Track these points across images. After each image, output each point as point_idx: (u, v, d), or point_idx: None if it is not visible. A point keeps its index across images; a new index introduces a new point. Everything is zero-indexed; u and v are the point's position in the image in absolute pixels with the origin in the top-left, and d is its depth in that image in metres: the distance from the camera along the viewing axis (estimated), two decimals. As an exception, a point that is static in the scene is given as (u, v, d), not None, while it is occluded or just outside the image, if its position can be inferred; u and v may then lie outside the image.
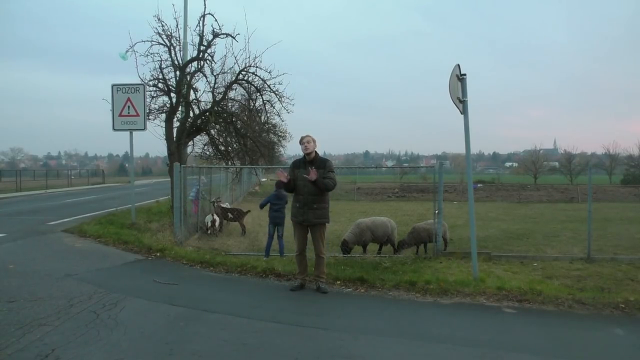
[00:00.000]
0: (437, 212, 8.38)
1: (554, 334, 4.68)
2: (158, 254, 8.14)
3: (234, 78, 11.84)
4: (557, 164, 64.73)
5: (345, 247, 9.02)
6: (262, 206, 9.29)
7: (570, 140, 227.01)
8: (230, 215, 12.14)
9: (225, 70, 12.76)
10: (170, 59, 10.86)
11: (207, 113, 11.26)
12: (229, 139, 14.00)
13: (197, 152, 14.28)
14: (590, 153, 75.06)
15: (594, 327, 4.92)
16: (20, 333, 4.30)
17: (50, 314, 4.84)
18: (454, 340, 4.40)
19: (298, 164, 6.26)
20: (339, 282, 6.46)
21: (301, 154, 6.29)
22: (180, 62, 11.00)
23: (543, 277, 7.04)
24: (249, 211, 12.63)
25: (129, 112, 11.10)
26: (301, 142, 6.17)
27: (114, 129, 11.21)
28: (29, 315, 4.80)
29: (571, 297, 5.67)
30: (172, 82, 11.10)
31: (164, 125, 11.22)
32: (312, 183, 5.95)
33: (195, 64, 11.14)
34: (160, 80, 11.09)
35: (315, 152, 6.23)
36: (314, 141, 6.22)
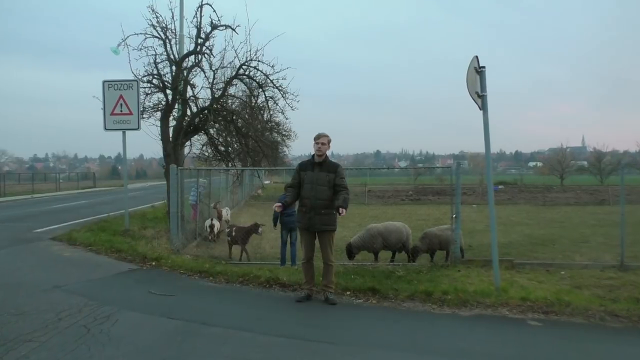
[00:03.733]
0: (454, 216, 8.34)
1: (584, 349, 4.63)
2: (153, 263, 8.17)
3: (234, 73, 11.90)
4: (585, 163, 64.07)
5: (350, 251, 9.03)
6: (276, 221, 9.09)
7: (600, 137, 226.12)
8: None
9: (225, 65, 12.84)
10: (165, 53, 10.94)
11: (206, 111, 11.30)
12: (229, 139, 14.02)
13: (195, 153, 14.31)
14: (623, 151, 74.13)
15: (628, 342, 4.87)
16: (4, 350, 4.32)
17: (37, 329, 4.86)
18: (474, 356, 4.37)
19: (305, 165, 6.25)
20: (348, 293, 6.45)
21: (308, 153, 6.30)
22: (177, 56, 11.06)
23: (571, 286, 6.97)
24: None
25: (121, 111, 11.17)
26: (316, 140, 6.13)
27: (106, 129, 11.28)
28: (13, 331, 4.82)
29: (603, 309, 5.61)
30: (168, 77, 11.17)
31: (159, 125, 11.28)
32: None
33: (192, 58, 11.20)
34: (155, 76, 11.15)
35: (326, 154, 6.24)
36: (329, 142, 6.22)
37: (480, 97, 6.37)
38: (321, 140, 6.11)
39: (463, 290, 6.27)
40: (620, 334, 5.07)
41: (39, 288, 6.52)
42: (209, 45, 10.99)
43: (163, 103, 11.51)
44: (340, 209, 5.87)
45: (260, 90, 12.18)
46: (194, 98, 11.65)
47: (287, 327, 5.17)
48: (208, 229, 11.75)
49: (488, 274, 7.32)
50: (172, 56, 10.96)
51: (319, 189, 6.04)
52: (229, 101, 13.97)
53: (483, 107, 6.39)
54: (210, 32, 10.82)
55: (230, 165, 13.66)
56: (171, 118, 11.40)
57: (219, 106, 11.73)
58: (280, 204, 6.53)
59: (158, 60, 10.95)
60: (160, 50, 10.92)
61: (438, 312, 5.77)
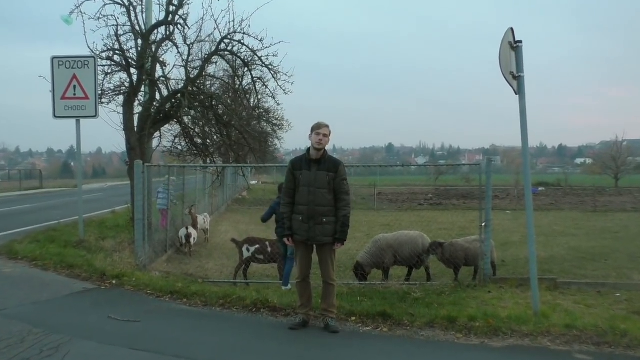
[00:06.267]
0: (484, 224, 8.35)
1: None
2: (114, 282, 8.16)
3: (213, 48, 11.88)
4: (646, 159, 64.20)
5: (359, 272, 9.04)
6: (265, 219, 9.37)
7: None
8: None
9: (203, 38, 12.81)
10: (129, 24, 10.92)
11: (179, 95, 11.31)
12: (207, 129, 14.05)
13: (165, 147, 14.34)
14: (694, 144, 74.24)
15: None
16: None
17: (-30, 363, 4.85)
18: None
19: (299, 163, 6.24)
20: (354, 318, 6.45)
21: (304, 147, 6.29)
22: (143, 27, 11.05)
23: (629, 312, 6.98)
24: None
25: (75, 94, 11.14)
26: (316, 130, 6.10)
27: (55, 116, 11.25)
28: (-60, 365, 4.81)
29: (667, 339, 5.61)
30: (133, 53, 11.15)
31: (121, 112, 11.27)
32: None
33: (162, 29, 11.19)
34: (117, 52, 11.14)
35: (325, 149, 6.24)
36: (329, 135, 6.24)
37: (516, 79, 6.37)
38: (323, 130, 6.09)
39: (494, 316, 6.27)
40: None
41: (-28, 312, 6.51)
42: (183, 14, 11.00)
43: (126, 85, 11.51)
44: (337, 244, 6.14)
45: (246, 69, 12.18)
46: (164, 79, 11.65)
47: (278, 361, 5.16)
48: (183, 239, 11.75)
49: (525, 296, 7.33)
50: (137, 27, 10.95)
51: (319, 192, 6.03)
52: (208, 83, 13.98)
53: (519, 90, 6.40)
54: (185, -3, 10.82)
55: (208, 161, 13.68)
56: (136, 103, 11.39)
57: (195, 89, 11.73)
58: (289, 236, 6.37)
59: (120, 32, 10.95)
60: (123, 19, 10.92)
61: (463, 343, 5.76)
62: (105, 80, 11.57)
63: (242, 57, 11.76)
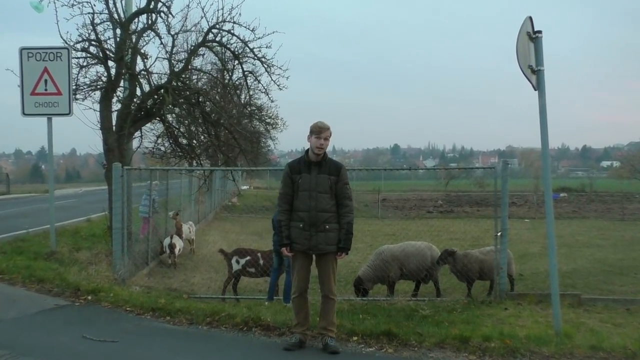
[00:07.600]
0: (499, 234, 8.36)
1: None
2: (90, 298, 8.15)
3: (200, 39, 11.88)
4: (680, 162, 64.19)
5: (361, 287, 9.03)
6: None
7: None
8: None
9: (189, 28, 12.81)
10: (107, 11, 10.92)
11: (162, 90, 11.30)
12: (193, 128, 14.02)
13: (146, 148, 14.32)
14: None
15: None
16: None
17: None
18: None
19: (298, 166, 6.25)
20: (355, 338, 6.45)
21: (300, 148, 6.30)
22: (122, 15, 11.05)
23: (661, 331, 6.98)
24: None
25: (46, 89, 11.11)
26: (317, 132, 6.09)
27: (24, 114, 11.22)
28: None
29: None
30: (111, 44, 11.15)
31: (98, 109, 11.26)
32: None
33: (144, 18, 11.20)
34: (93, 42, 11.14)
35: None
36: (330, 136, 6.26)
37: (535, 73, 6.38)
38: (324, 134, 6.08)
39: (511, 336, 6.26)
40: None
41: None
42: (167, 1, 11.01)
43: (104, 79, 11.50)
44: (341, 253, 6.20)
45: (236, 62, 12.21)
46: (145, 73, 11.65)
47: (271, 386, 5.15)
48: (167, 250, 11.72)
49: (545, 314, 7.33)
50: (116, 15, 10.95)
51: (321, 197, 6.05)
52: (194, 77, 13.99)
53: (538, 86, 6.41)
54: (169, -18, 10.83)
55: (194, 164, 13.66)
56: (115, 100, 11.38)
57: (179, 84, 11.73)
58: (287, 244, 6.38)
59: (97, 20, 10.96)
60: (100, 6, 10.93)
61: (478, 366, 5.75)
62: (80, 74, 11.58)
63: (232, 49, 11.78)
